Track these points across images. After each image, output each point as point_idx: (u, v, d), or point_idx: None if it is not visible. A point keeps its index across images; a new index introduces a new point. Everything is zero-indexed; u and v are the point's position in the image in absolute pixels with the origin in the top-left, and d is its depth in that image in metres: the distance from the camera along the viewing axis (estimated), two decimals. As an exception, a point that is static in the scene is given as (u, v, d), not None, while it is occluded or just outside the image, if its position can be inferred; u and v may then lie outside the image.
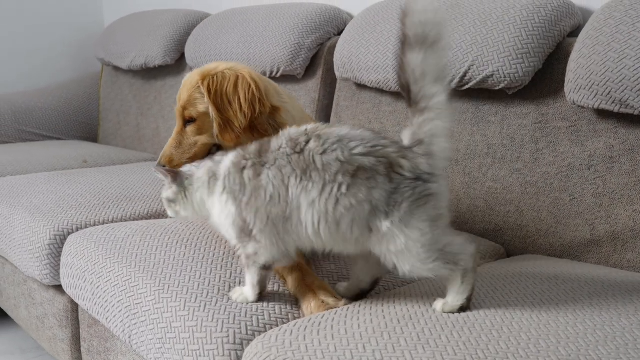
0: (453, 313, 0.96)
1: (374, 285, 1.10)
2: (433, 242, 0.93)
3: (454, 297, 0.97)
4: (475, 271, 0.97)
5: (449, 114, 0.93)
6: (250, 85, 1.15)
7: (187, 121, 1.19)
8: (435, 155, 0.94)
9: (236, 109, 1.14)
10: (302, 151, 0.96)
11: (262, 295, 1.09)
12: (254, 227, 0.99)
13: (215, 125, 1.17)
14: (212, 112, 1.17)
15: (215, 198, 1.06)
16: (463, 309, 0.97)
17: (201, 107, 1.18)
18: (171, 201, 1.11)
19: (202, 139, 1.20)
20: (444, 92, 0.92)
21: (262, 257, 1.02)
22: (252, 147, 1.03)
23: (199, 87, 1.17)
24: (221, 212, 1.05)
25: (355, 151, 0.93)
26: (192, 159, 1.16)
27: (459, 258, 0.94)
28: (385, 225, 0.92)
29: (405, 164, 0.93)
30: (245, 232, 1.01)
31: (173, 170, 1.10)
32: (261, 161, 0.99)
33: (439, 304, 0.98)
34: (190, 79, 1.20)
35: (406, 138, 0.96)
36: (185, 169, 1.11)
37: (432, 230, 0.92)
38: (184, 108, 1.18)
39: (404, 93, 0.95)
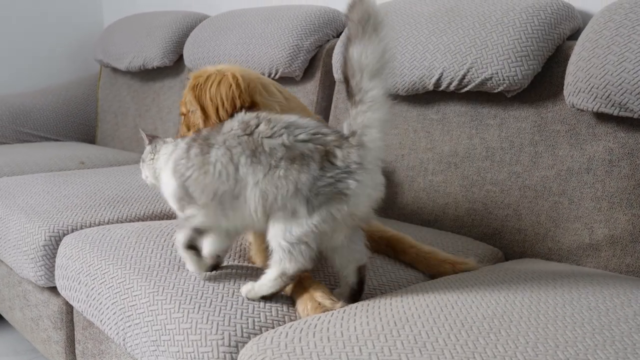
0: (254, 300, 1.08)
1: (360, 277, 1.08)
2: (306, 234, 0.99)
3: (262, 285, 1.06)
4: (291, 281, 1.05)
5: (383, 106, 0.97)
6: (231, 85, 1.21)
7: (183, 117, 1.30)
8: (366, 146, 0.98)
9: (217, 105, 1.20)
10: (252, 133, 1.03)
11: (207, 264, 1.16)
12: (199, 200, 1.07)
13: (200, 122, 1.24)
14: (191, 108, 1.25)
15: (167, 171, 1.16)
16: (264, 298, 1.08)
17: (189, 105, 1.26)
18: (143, 160, 1.23)
19: (189, 133, 1.29)
20: (381, 87, 0.96)
21: (196, 220, 1.10)
22: (204, 132, 1.11)
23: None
24: (167, 184, 1.15)
25: (299, 138, 1.00)
26: None
27: (296, 260, 1.01)
28: (302, 211, 0.98)
29: (339, 153, 0.98)
30: (185, 200, 1.10)
31: (152, 135, 1.25)
32: (209, 142, 1.06)
33: (245, 288, 1.08)
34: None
35: (345, 130, 1.01)
36: (167, 139, 1.25)
37: (318, 226, 0.98)
38: (181, 105, 1.29)
39: (345, 86, 1.00)
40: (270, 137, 1.01)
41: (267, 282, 1.06)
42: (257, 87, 1.25)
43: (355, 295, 1.09)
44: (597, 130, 1.35)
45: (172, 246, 1.30)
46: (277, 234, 1.01)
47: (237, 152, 1.02)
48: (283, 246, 1.00)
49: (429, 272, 1.25)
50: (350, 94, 0.98)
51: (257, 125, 1.03)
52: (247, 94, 1.21)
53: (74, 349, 1.54)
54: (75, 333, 1.50)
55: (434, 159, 1.63)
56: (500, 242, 1.49)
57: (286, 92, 1.30)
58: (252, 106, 1.21)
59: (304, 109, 1.32)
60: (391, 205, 1.71)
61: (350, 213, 0.99)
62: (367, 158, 0.98)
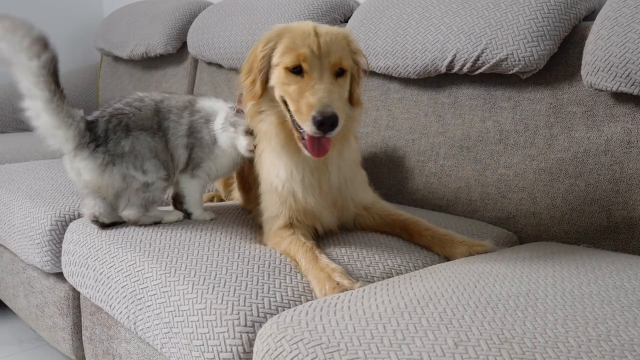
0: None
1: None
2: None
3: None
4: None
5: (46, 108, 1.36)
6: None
7: (339, 73, 1.18)
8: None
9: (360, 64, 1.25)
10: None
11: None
12: None
13: (355, 77, 1.24)
14: (358, 66, 1.24)
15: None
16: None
17: (349, 61, 1.20)
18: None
19: (347, 90, 1.22)
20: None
21: None
22: None
23: (348, 44, 1.20)
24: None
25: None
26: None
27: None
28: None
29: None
30: None
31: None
32: None
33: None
34: (331, 33, 1.18)
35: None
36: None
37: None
38: (341, 59, 1.17)
39: None
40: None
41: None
42: None
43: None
44: (615, 111, 1.33)
45: (183, 229, 1.27)
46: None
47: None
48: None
49: (445, 254, 1.23)
50: None
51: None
52: None
53: (81, 336, 1.52)
54: (82, 319, 1.47)
55: (445, 143, 1.60)
56: (514, 226, 1.47)
57: None
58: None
59: None
60: (401, 191, 1.68)
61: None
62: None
